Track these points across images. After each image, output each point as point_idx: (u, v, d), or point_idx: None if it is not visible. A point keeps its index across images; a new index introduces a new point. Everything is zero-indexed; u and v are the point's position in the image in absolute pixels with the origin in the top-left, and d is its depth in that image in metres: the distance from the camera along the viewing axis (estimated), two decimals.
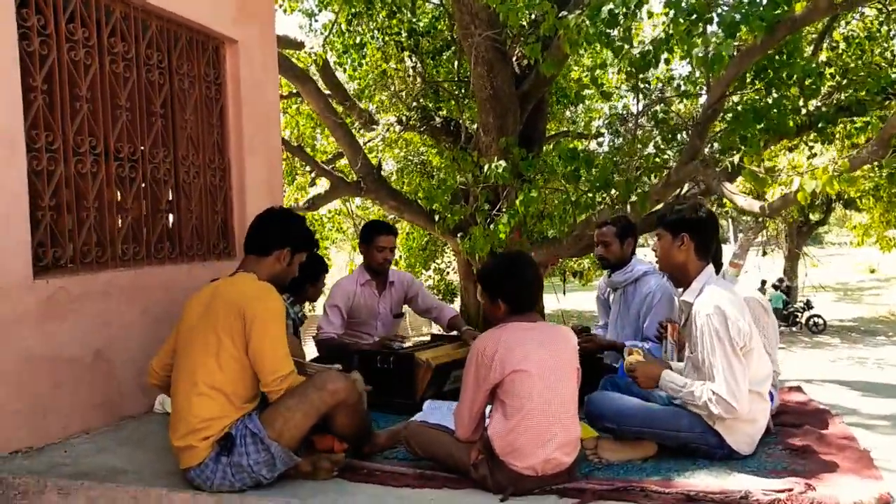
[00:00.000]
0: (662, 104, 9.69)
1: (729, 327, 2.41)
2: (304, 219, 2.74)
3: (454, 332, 3.96)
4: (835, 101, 8.20)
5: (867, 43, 9.24)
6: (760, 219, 14.90)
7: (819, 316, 18.13)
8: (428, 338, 4.13)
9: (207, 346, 2.32)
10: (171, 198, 3.72)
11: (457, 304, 12.81)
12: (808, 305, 18.69)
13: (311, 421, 2.32)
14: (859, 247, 18.59)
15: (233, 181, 4.16)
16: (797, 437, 2.80)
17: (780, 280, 19.67)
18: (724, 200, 9.65)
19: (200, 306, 2.43)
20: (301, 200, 10.26)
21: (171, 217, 3.73)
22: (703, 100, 10.39)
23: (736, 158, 5.84)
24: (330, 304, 3.86)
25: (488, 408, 2.38)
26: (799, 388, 3.71)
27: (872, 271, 33.42)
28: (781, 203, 5.32)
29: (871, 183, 11.37)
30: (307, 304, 3.70)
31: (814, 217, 20.08)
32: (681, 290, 2.95)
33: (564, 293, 13.24)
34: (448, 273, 12.81)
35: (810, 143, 8.64)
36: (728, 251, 20.54)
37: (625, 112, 12.58)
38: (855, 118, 8.19)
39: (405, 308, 4.26)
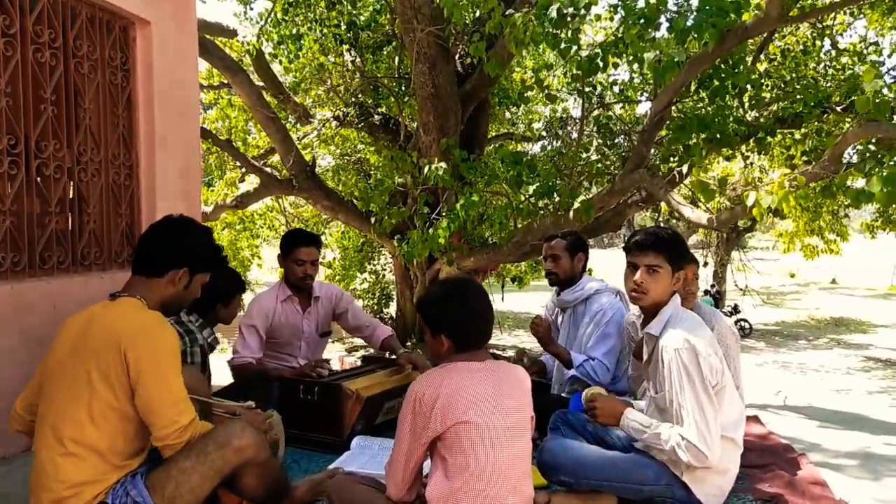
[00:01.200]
0: (604, 109, 9.54)
1: (700, 364, 2.12)
2: (209, 231, 2.31)
3: (389, 355, 3.59)
4: (772, 113, 8.24)
5: (802, 57, 9.38)
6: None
7: (745, 320, 18.54)
8: (359, 360, 3.74)
9: (77, 392, 1.88)
10: (63, 198, 3.21)
11: (392, 308, 12.42)
12: (736, 310, 19.12)
13: (210, 484, 1.91)
14: (786, 254, 19.14)
15: (141, 180, 3.67)
16: (766, 483, 2.56)
17: (712, 286, 20.14)
18: (662, 207, 9.60)
19: (72, 336, 1.98)
20: (229, 197, 9.67)
21: (61, 221, 3.21)
22: (642, 107, 10.34)
23: (685, 168, 5.67)
24: (246, 324, 3.42)
25: (427, 462, 2.03)
26: (756, 419, 3.50)
27: (792, 276, 34.72)
28: (730, 216, 5.19)
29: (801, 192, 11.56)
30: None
31: (742, 224, 20.60)
32: (636, 316, 2.68)
33: (503, 299, 13.03)
34: (384, 276, 12.38)
35: (747, 154, 8.66)
36: None
37: (565, 116, 12.44)
38: (793, 130, 8.25)
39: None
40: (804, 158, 8.57)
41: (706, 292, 19.55)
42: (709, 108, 7.07)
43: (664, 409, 2.22)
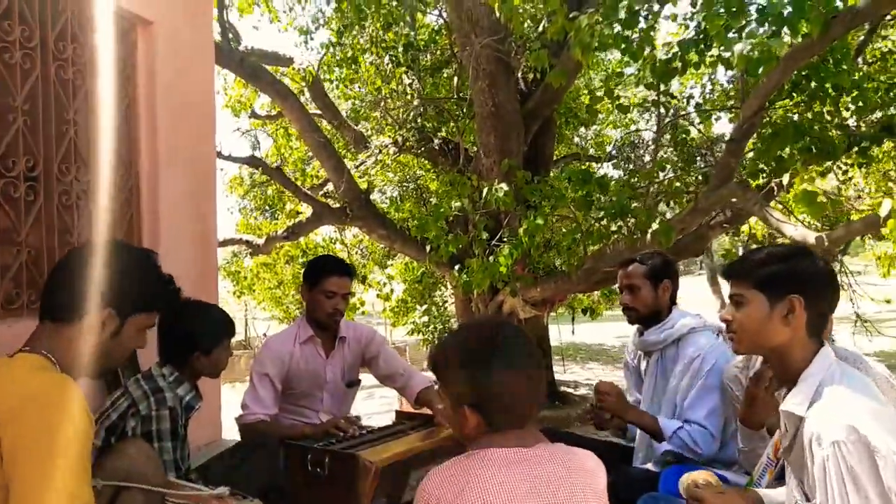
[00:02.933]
0: (685, 123, 8.72)
1: (880, 467, 1.31)
2: (148, 257, 1.69)
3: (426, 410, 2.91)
4: (877, 121, 7.26)
5: None
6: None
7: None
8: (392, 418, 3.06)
9: None
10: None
11: None
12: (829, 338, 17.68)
13: None
14: (886, 278, 17.59)
15: (142, 202, 3.20)
16: None
17: None
18: (744, 229, 8.62)
19: None
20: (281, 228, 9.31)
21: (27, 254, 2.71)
22: (718, 126, 9.46)
23: (785, 179, 4.85)
24: (258, 373, 2.80)
25: None
26: None
27: (888, 301, 32.18)
28: (845, 233, 4.32)
29: None
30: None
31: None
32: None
33: (573, 332, 12.15)
34: (445, 308, 11.74)
35: (845, 167, 7.68)
36: None
37: (636, 138, 11.66)
38: None
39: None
40: None
41: None
42: (805, 114, 6.22)
43: None
